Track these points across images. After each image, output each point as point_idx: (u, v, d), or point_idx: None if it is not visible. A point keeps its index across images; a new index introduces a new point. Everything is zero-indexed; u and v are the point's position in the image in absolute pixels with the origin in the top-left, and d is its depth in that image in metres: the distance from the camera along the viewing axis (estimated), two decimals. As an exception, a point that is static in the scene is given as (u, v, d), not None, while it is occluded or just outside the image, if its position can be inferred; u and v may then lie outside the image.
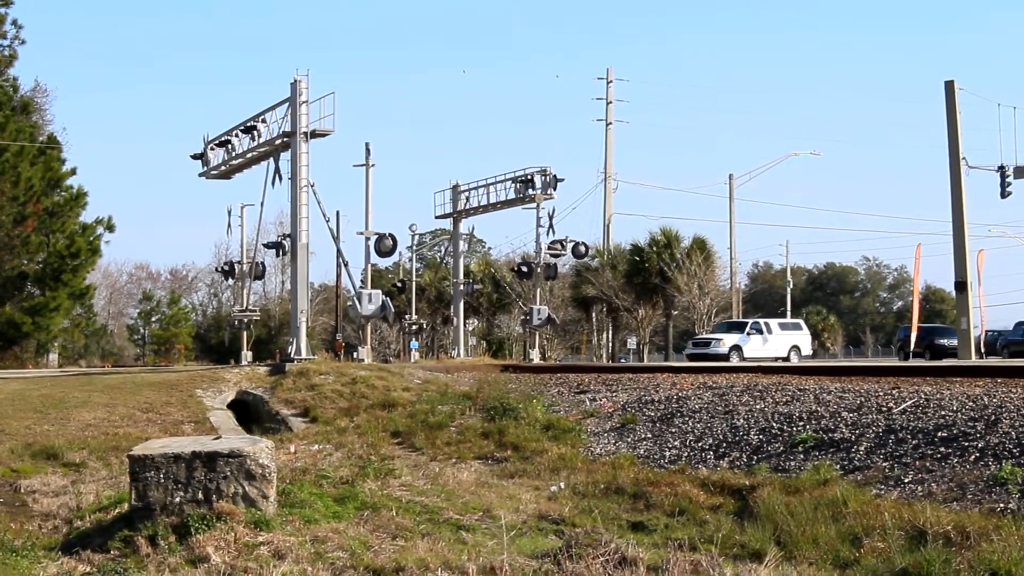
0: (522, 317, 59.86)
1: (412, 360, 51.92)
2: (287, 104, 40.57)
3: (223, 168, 46.18)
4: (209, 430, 26.25)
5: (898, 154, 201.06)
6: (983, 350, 59.58)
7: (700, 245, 65.64)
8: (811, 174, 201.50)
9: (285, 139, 40.66)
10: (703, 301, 64.80)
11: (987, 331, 65.56)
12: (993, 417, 17.73)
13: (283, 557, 13.17)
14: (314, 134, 40.21)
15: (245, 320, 51.22)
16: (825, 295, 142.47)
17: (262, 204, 44.11)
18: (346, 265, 48.17)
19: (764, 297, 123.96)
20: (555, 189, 51.62)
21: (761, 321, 59.78)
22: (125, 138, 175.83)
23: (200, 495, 14.22)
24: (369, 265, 49.02)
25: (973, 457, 16.26)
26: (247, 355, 50.76)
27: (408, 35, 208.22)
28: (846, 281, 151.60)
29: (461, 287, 57.03)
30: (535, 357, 53.69)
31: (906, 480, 16.09)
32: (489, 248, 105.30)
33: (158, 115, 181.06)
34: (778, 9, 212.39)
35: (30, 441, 23.66)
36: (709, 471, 18.85)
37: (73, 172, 61.63)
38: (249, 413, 31.63)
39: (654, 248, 65.26)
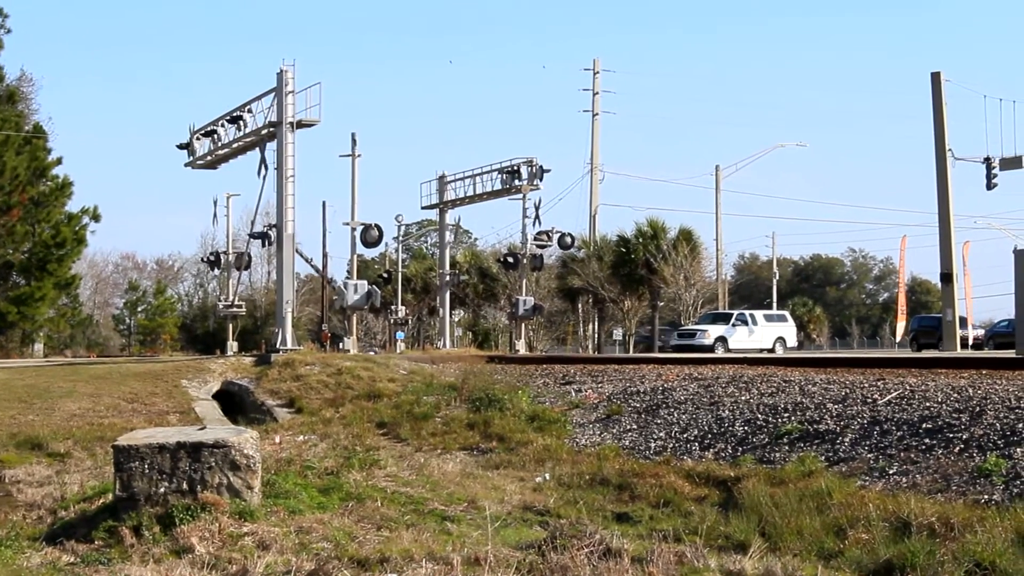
0: (508, 310, 59.88)
1: (398, 351, 51.86)
2: (273, 94, 40.50)
3: (209, 158, 46.08)
4: (194, 420, 26.21)
5: (885, 145, 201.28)
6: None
7: (686, 236, 65.67)
8: (797, 165, 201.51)
9: (271, 129, 40.61)
10: (689, 292, 64.86)
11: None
12: (978, 409, 17.79)
13: (267, 548, 13.17)
14: (300, 124, 40.17)
15: (231, 314, 51.33)
16: (811, 286, 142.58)
17: (260, 196, 43.97)
18: (331, 283, 48.12)
19: (750, 288, 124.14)
20: (541, 180, 51.56)
21: (747, 312, 59.83)
22: (111, 128, 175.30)
23: (185, 485, 14.22)
24: (355, 256, 48.95)
25: (958, 448, 16.32)
26: (233, 345, 50.76)
27: (395, 25, 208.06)
28: (832, 272, 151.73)
29: (447, 278, 57.00)
30: (521, 348, 53.64)
31: (891, 471, 16.13)
32: (475, 239, 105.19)
33: (144, 104, 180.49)
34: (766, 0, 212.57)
35: (15, 431, 23.62)
36: (694, 462, 18.89)
37: (59, 162, 61.34)
38: (234, 404, 31.58)
39: (640, 239, 65.27)
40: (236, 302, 52.01)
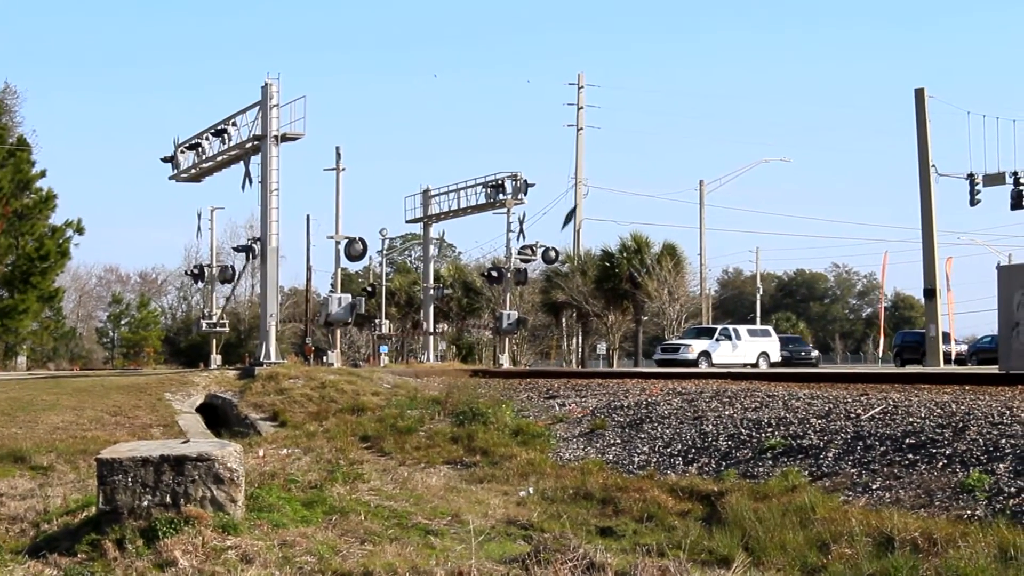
0: (492, 324, 59.79)
1: (382, 365, 51.74)
2: (258, 107, 40.42)
3: (193, 171, 45.99)
4: (178, 434, 26.16)
5: (868, 161, 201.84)
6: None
7: (670, 251, 65.74)
8: (781, 180, 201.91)
9: (256, 142, 40.51)
10: (673, 307, 64.89)
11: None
12: (961, 424, 17.83)
13: (251, 561, 13.14)
14: (285, 137, 40.09)
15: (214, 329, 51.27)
16: (795, 302, 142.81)
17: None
18: (311, 321, 48.05)
19: (734, 303, 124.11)
20: (525, 194, 51.48)
21: (730, 327, 59.74)
22: (95, 140, 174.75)
23: (168, 499, 14.18)
24: (339, 269, 48.92)
25: (941, 464, 16.36)
26: (216, 359, 50.61)
27: (380, 39, 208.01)
28: (816, 288, 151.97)
29: (431, 292, 56.95)
30: (505, 362, 53.58)
31: (874, 487, 16.17)
32: (460, 253, 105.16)
33: (128, 117, 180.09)
34: (750, 15, 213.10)
35: (-3, 444, 23.54)
36: (678, 477, 18.91)
37: (43, 174, 61.21)
38: (218, 417, 31.53)
39: (624, 254, 65.34)
40: (219, 320, 51.87)
